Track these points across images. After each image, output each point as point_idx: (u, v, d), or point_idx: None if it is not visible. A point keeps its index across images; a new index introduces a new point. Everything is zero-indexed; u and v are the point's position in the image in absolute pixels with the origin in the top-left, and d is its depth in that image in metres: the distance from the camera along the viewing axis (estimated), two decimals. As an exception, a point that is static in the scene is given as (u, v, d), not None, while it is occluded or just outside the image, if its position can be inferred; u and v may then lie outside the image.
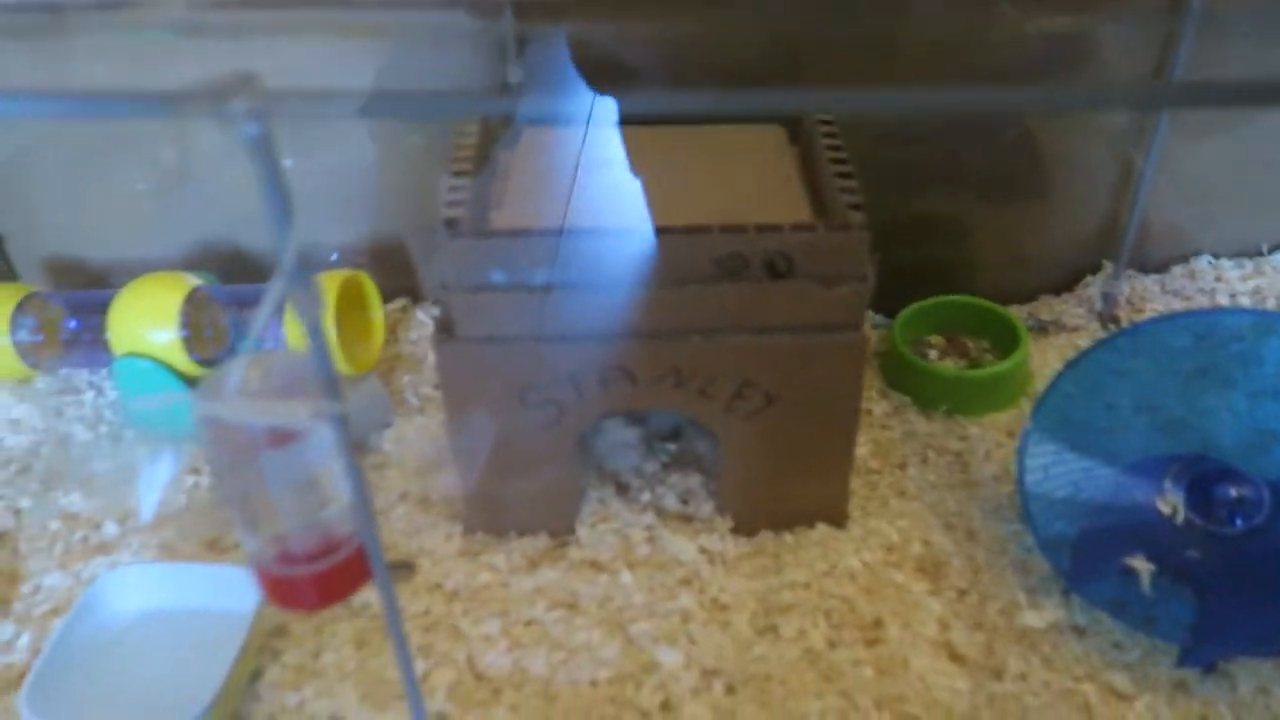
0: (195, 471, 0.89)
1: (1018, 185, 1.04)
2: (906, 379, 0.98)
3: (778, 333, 0.72)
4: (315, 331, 0.43)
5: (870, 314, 1.09)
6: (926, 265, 1.05)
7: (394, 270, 1.09)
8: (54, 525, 0.85)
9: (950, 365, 0.99)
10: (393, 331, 1.07)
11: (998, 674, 0.71)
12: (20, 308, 0.97)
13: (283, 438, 0.45)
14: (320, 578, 0.49)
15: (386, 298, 1.09)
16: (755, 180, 0.82)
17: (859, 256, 0.71)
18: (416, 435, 0.94)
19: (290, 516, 0.47)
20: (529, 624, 0.76)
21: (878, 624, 0.75)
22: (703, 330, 0.72)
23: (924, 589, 0.77)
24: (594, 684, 0.71)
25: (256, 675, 0.72)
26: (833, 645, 0.74)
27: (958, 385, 0.95)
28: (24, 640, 0.75)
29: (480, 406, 0.76)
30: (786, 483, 0.81)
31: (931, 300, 1.03)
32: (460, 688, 0.71)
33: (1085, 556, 0.75)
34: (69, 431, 0.95)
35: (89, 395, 0.99)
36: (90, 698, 0.68)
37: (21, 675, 0.72)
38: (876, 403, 0.97)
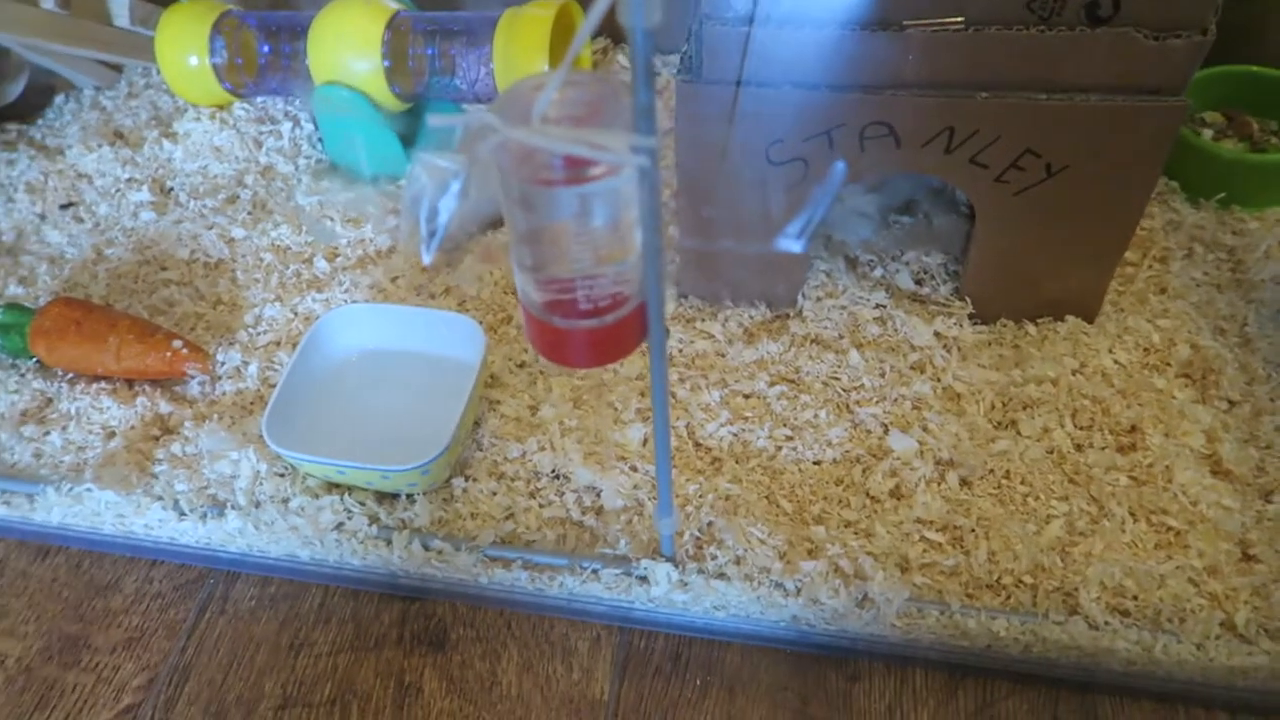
0: (395, 212, 0.86)
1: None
2: (1174, 159, 0.85)
3: (1082, 93, 0.61)
4: (643, 47, 0.36)
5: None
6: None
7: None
8: (266, 257, 0.84)
9: (1229, 146, 0.86)
10: (595, 71, 0.99)
11: (1266, 494, 0.65)
12: (215, 28, 0.93)
13: (586, 175, 0.39)
14: (600, 335, 0.45)
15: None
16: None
17: (1204, 1, 0.59)
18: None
19: (582, 262, 0.42)
20: (749, 397, 0.72)
21: (1134, 429, 0.68)
22: (992, 85, 0.62)
23: (1188, 396, 0.70)
24: (818, 464, 0.68)
25: (477, 425, 0.71)
26: (1079, 447, 0.68)
27: (1236, 170, 0.83)
28: (251, 369, 0.75)
29: (716, 159, 0.69)
30: (1044, 268, 0.72)
31: (1212, 69, 0.88)
32: (681, 455, 0.69)
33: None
34: (270, 162, 0.93)
35: (286, 126, 0.96)
36: (324, 431, 0.68)
37: (252, 402, 0.73)
38: (1135, 187, 0.86)
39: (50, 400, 0.75)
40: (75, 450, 0.72)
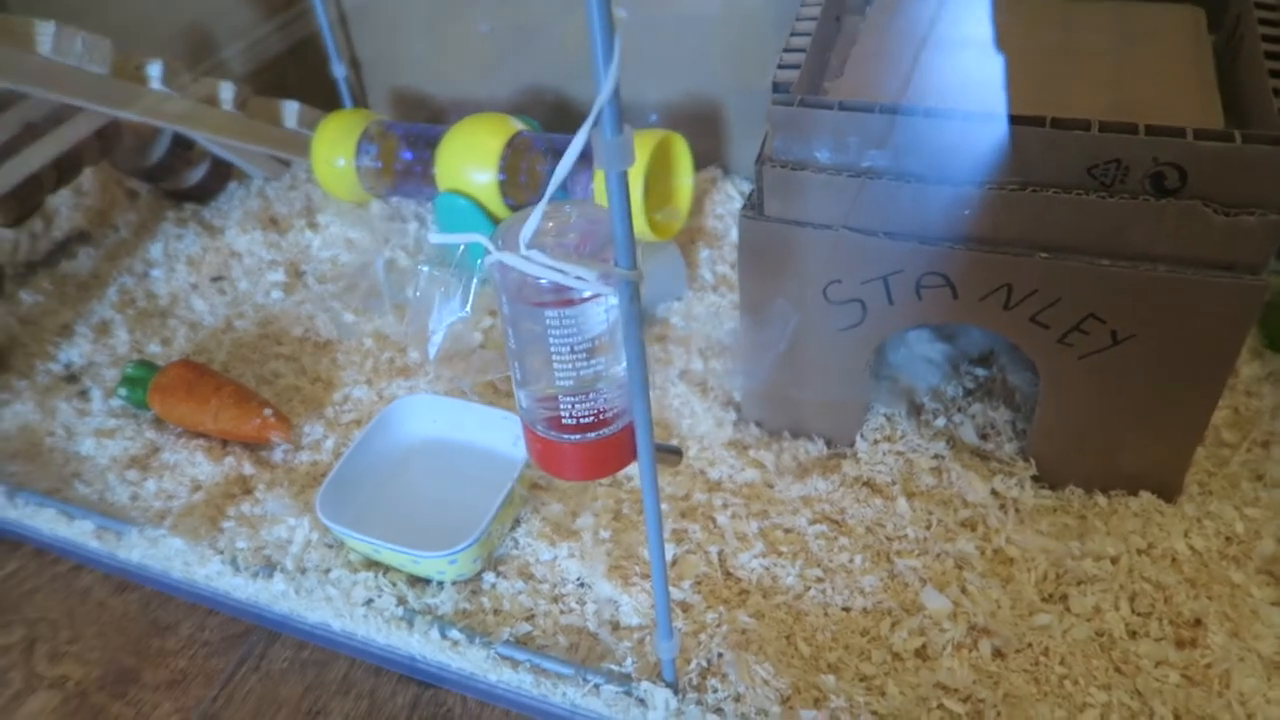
0: (491, 314, 0.92)
1: None
2: (1293, 339, 0.80)
3: (1148, 261, 0.60)
4: (618, 187, 0.38)
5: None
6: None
7: (711, 137, 1.05)
8: (368, 343, 0.91)
9: (1357, 334, 0.80)
10: (699, 202, 1.03)
11: (1349, 720, 0.58)
12: (365, 134, 1.03)
13: (569, 298, 0.42)
14: (587, 450, 0.47)
15: (699, 165, 1.05)
16: (1156, 70, 0.67)
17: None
18: (707, 313, 0.91)
19: (564, 380, 0.44)
20: (789, 532, 0.71)
21: (1197, 624, 0.63)
22: (1052, 246, 0.61)
23: (1266, 596, 0.64)
24: (847, 611, 0.66)
25: (517, 523, 0.73)
26: (1133, 634, 0.63)
27: (1363, 360, 0.77)
28: (329, 443, 0.81)
29: (779, 294, 0.70)
30: (1114, 438, 0.69)
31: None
32: (708, 581, 0.69)
33: None
34: (393, 257, 1.01)
35: (413, 225, 1.05)
36: (373, 510, 0.73)
37: (323, 474, 0.79)
38: (1247, 363, 0.81)
39: (157, 450, 0.83)
40: (166, 498, 0.79)
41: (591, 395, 0.45)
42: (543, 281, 0.41)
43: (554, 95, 1.09)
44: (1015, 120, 0.58)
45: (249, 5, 1.16)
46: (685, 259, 0.95)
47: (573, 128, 1.06)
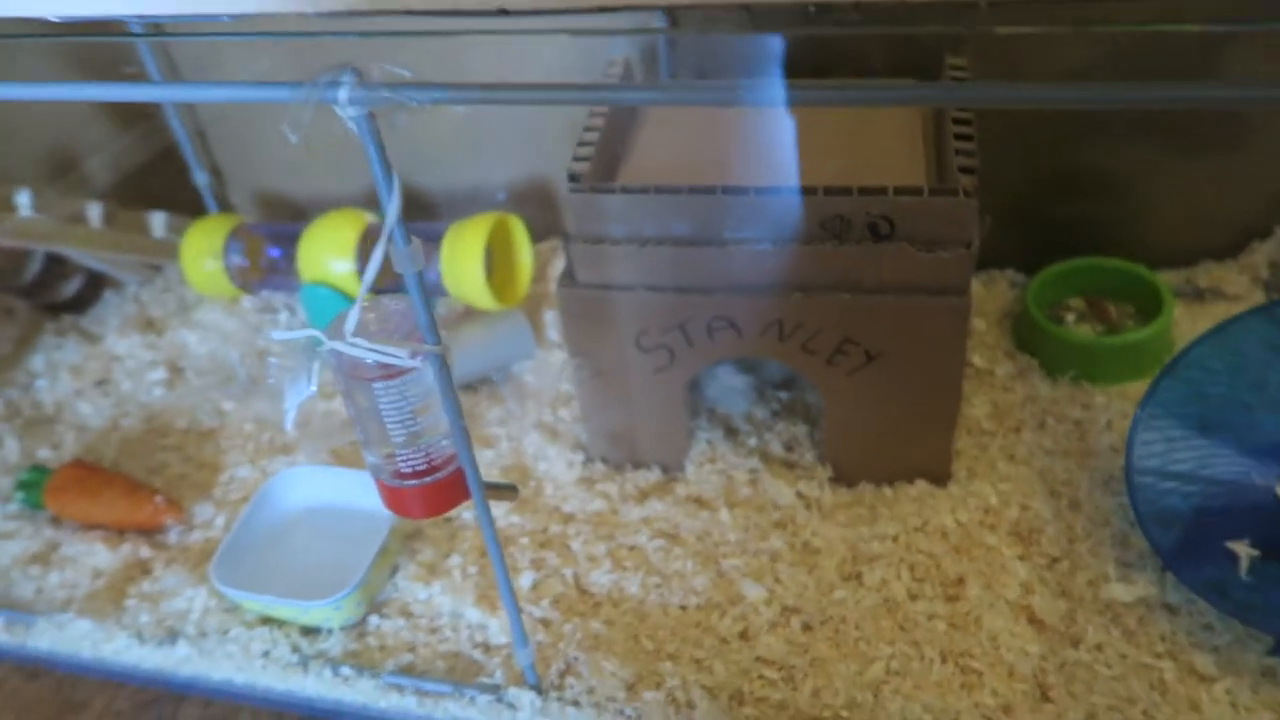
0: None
1: (1189, 137, 0.98)
2: (1035, 341, 0.97)
3: (879, 293, 0.74)
4: (414, 285, 0.50)
5: (1009, 273, 1.08)
6: (1080, 221, 1.02)
7: (551, 210, 1.18)
8: (248, 427, 1.00)
9: (1086, 330, 0.97)
10: (542, 269, 1.15)
11: (1074, 642, 0.72)
12: (233, 235, 1.12)
13: (391, 372, 0.53)
14: (425, 492, 0.58)
15: (541, 235, 1.18)
16: (880, 135, 0.83)
17: (965, 222, 0.72)
18: (554, 369, 1.03)
19: (397, 438, 0.55)
20: (632, 549, 0.83)
21: (960, 581, 0.77)
22: (804, 287, 0.75)
23: (1014, 553, 0.79)
24: (683, 608, 0.78)
25: (395, 569, 0.83)
26: (913, 597, 0.77)
27: (1087, 351, 0.94)
28: (219, 520, 0.90)
29: (598, 348, 0.83)
30: (888, 438, 0.83)
31: (1074, 262, 1.00)
32: (565, 599, 0.80)
33: (1190, 536, 0.74)
34: (267, 346, 1.10)
35: (284, 315, 1.14)
36: (263, 572, 0.82)
37: (214, 549, 0.87)
38: (1002, 364, 0.97)
39: (57, 545, 0.90)
40: (69, 587, 0.86)
41: (422, 448, 0.56)
42: (369, 360, 0.52)
43: (406, 189, 1.20)
44: (758, 191, 0.73)
45: (104, 121, 1.24)
46: (531, 322, 1.07)
47: (424, 215, 1.18)
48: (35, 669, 0.84)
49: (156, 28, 0.43)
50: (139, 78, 1.03)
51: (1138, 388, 0.92)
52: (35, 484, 0.91)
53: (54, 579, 0.86)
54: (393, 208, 0.47)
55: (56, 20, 0.41)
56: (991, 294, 1.05)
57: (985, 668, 0.71)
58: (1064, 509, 0.82)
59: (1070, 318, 0.99)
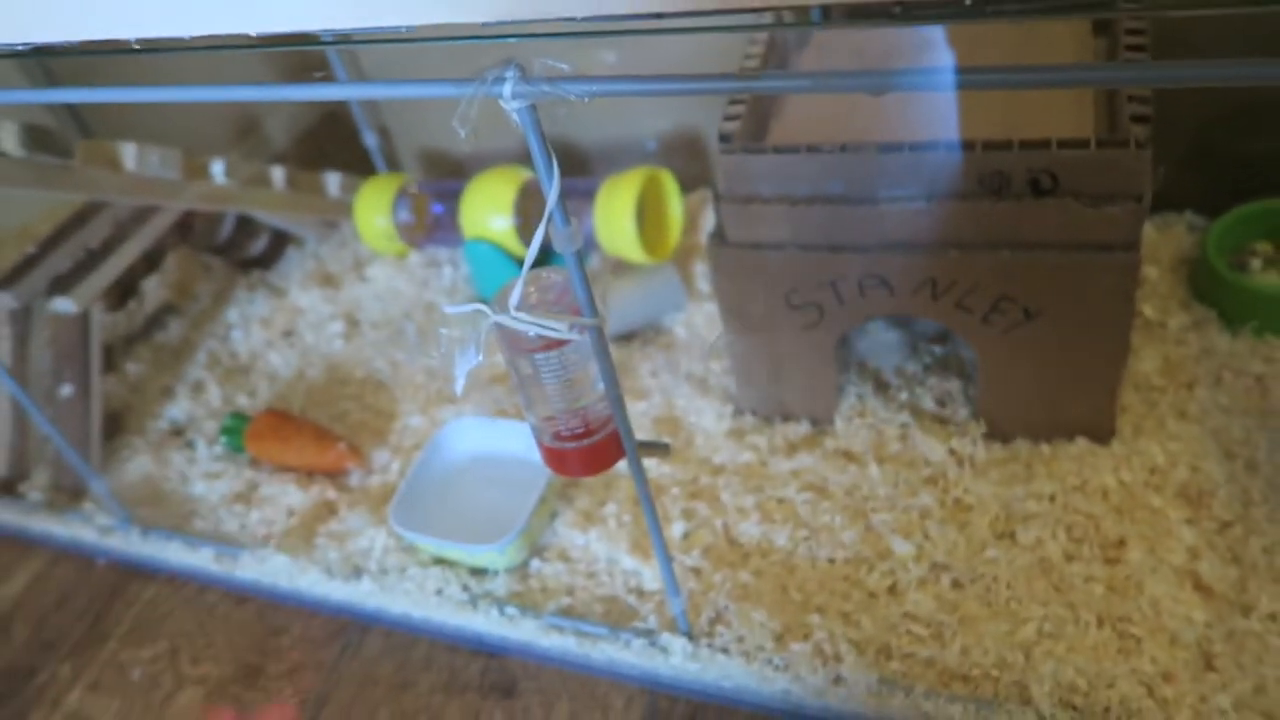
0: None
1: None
2: (1214, 291, 0.91)
3: (1040, 249, 0.72)
4: (574, 264, 0.53)
5: (1187, 215, 1.01)
6: (1268, 158, 0.95)
7: (700, 162, 1.18)
8: (419, 378, 1.07)
9: (1273, 278, 0.90)
10: (692, 221, 1.16)
11: (1245, 611, 0.70)
12: (400, 194, 1.19)
13: (551, 344, 0.56)
14: (583, 453, 0.61)
15: (691, 187, 1.19)
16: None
17: (1136, 174, 0.68)
18: (704, 321, 1.04)
19: (556, 404, 0.59)
20: (781, 502, 0.85)
21: (1120, 544, 0.75)
22: (960, 245, 0.74)
23: (1181, 516, 0.76)
24: (831, 562, 0.80)
25: (554, 516, 0.88)
26: (1069, 558, 0.75)
27: (1273, 302, 0.87)
28: (395, 466, 0.97)
29: (749, 305, 0.84)
30: (1046, 396, 0.81)
31: (1260, 204, 0.93)
32: (714, 549, 0.82)
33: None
34: (433, 300, 1.17)
35: (447, 270, 1.20)
36: (435, 516, 0.88)
37: (392, 492, 0.94)
38: (1175, 315, 0.92)
39: (256, 486, 1.00)
40: (268, 524, 0.95)
41: (579, 412, 0.59)
42: (530, 333, 0.55)
43: (560, 143, 1.23)
44: (914, 147, 0.71)
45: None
46: (682, 275, 1.09)
47: (577, 170, 1.21)
48: (242, 596, 0.94)
49: (344, 37, 0.46)
50: (328, 79, 1.10)
51: (1331, 342, 0.86)
52: (237, 430, 1.01)
53: (255, 516, 0.96)
54: (553, 193, 0.49)
55: (256, 36, 0.44)
56: (1166, 239, 1.00)
57: (1145, 634, 0.69)
58: (1239, 471, 0.78)
59: (1255, 264, 0.93)
